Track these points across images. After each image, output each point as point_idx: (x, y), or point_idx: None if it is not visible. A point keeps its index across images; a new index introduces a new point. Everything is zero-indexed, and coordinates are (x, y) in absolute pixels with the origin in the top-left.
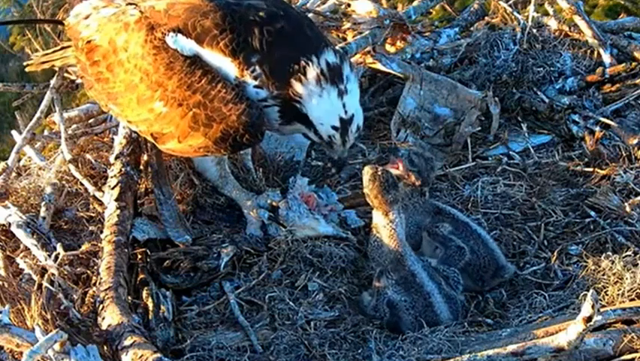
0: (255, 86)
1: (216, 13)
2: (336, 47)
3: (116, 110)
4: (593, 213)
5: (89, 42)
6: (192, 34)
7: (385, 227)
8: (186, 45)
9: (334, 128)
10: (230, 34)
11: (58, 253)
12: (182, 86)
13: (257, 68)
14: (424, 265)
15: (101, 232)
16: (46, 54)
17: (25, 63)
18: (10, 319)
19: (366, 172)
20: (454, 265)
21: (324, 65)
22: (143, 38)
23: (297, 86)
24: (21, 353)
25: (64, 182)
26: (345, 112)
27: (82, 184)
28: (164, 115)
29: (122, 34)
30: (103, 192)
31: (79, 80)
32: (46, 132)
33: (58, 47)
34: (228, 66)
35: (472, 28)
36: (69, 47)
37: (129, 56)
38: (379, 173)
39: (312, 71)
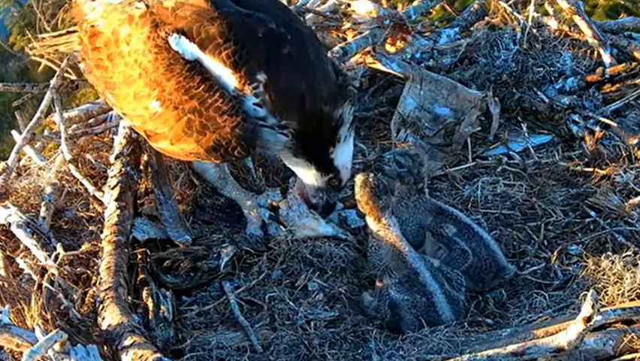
0: (255, 104)
1: (223, 21)
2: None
3: (112, 100)
4: (593, 213)
5: (92, 26)
6: (196, 38)
7: (380, 231)
8: (188, 49)
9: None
10: (233, 45)
11: (58, 253)
12: (180, 90)
13: (260, 86)
14: (426, 264)
15: (101, 232)
16: (53, 36)
17: (30, 45)
18: (10, 319)
19: (357, 179)
20: (457, 267)
21: (352, 115)
22: (146, 35)
23: (342, 131)
24: (21, 353)
25: (64, 182)
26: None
27: (82, 184)
28: (158, 115)
29: (125, 26)
30: (103, 192)
31: (81, 66)
32: (46, 132)
33: (64, 31)
34: (228, 77)
35: (472, 28)
36: (74, 32)
37: (130, 49)
38: (370, 179)
39: (349, 118)
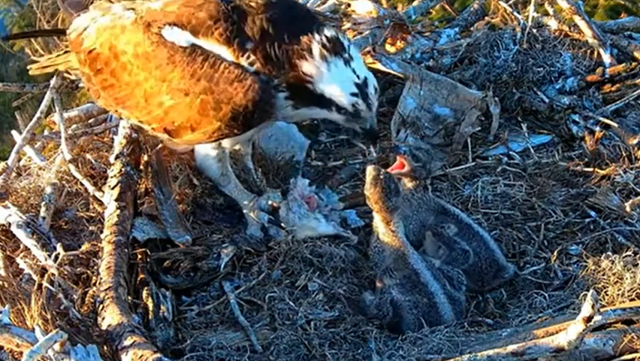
0: (253, 72)
1: (210, 4)
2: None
3: (126, 113)
4: (593, 213)
5: (90, 52)
6: (187, 26)
7: (385, 235)
8: (182, 37)
9: (354, 95)
10: (224, 23)
11: (58, 253)
12: (186, 76)
13: (251, 54)
14: (427, 265)
15: (101, 232)
16: (50, 58)
17: (29, 67)
18: (10, 319)
19: (369, 173)
20: (458, 267)
21: (324, 39)
22: (140, 37)
23: (305, 66)
24: (21, 353)
25: (64, 182)
26: (358, 77)
27: (82, 184)
28: (173, 107)
29: (120, 38)
30: (103, 192)
31: (79, 76)
32: (46, 132)
33: (62, 52)
34: (225, 55)
35: (472, 28)
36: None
37: (130, 57)
38: (382, 177)
39: (316, 47)
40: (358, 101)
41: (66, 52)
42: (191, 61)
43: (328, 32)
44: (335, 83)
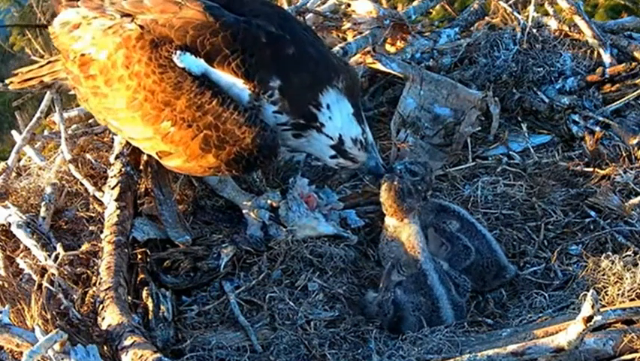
0: (275, 111)
1: (227, 31)
2: (339, 66)
3: (116, 125)
4: (593, 213)
5: (83, 55)
6: (201, 52)
7: (399, 227)
8: (195, 63)
9: (333, 157)
10: (241, 54)
11: (58, 253)
12: (192, 107)
13: (276, 92)
14: (435, 267)
15: (101, 232)
16: (31, 70)
17: (7, 81)
18: (10, 319)
19: (383, 182)
20: (460, 263)
21: (302, 119)
22: (147, 56)
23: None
24: (21, 353)
25: (64, 182)
26: (331, 138)
27: (82, 184)
28: (172, 135)
29: (122, 50)
30: (103, 192)
31: (69, 85)
32: (46, 132)
33: (45, 62)
34: (241, 88)
35: (472, 28)
36: (57, 60)
37: (131, 73)
38: (395, 183)
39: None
40: (339, 160)
41: (49, 62)
42: (200, 93)
43: (321, 99)
44: (315, 150)
